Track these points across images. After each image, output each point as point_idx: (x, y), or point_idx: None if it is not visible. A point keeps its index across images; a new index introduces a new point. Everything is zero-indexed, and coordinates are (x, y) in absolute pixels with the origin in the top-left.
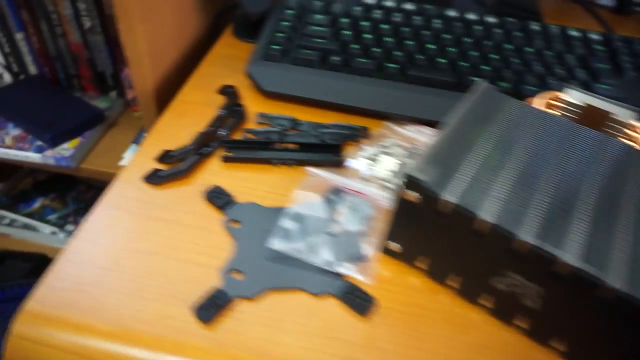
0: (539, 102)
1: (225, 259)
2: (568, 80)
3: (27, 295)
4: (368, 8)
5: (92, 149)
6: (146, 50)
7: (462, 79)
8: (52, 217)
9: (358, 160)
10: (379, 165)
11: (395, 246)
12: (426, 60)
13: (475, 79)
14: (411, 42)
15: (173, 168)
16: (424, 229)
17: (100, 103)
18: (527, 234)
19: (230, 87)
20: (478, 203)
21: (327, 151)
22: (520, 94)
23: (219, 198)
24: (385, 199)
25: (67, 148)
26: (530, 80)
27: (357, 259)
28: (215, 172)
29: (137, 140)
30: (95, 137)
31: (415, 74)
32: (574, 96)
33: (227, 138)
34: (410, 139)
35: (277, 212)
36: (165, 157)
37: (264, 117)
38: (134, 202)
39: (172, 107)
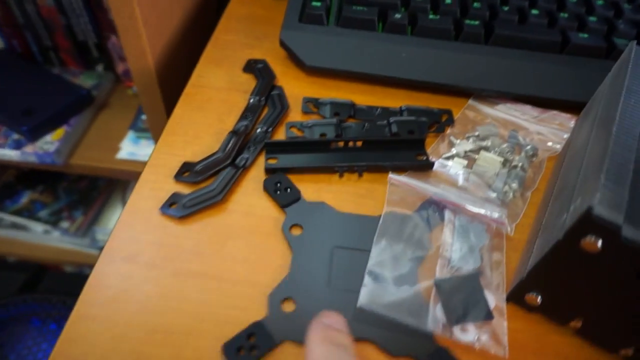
0: None
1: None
2: None
3: (22, 315)
4: None
5: (82, 139)
6: (142, 17)
7: (565, 36)
8: (43, 213)
9: (451, 162)
10: (479, 167)
11: (533, 297)
12: (513, 12)
13: (582, 35)
14: None
15: (201, 190)
16: (595, 282)
17: (85, 80)
18: None
19: (260, 61)
20: None
21: (407, 148)
22: None
23: (282, 192)
24: (498, 218)
25: (50, 141)
26: None
27: (481, 315)
28: (258, 189)
29: (135, 126)
30: (84, 124)
31: (503, 33)
32: None
33: (268, 138)
34: (507, 123)
35: (354, 220)
36: (186, 172)
37: (311, 103)
38: (152, 248)
39: (186, 95)
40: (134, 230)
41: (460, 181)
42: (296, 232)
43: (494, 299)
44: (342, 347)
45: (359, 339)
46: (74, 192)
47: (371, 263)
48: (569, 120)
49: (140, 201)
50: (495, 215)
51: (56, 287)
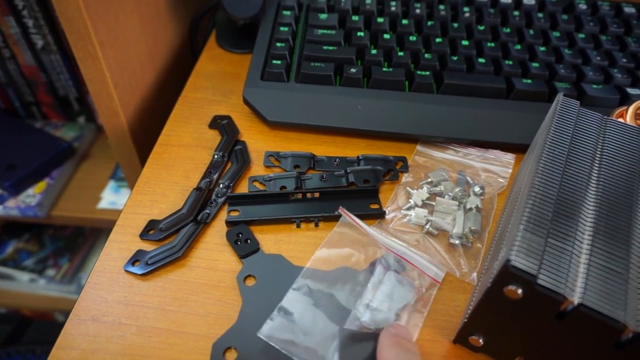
0: (632, 116)
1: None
2: (635, 70)
3: None
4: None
5: (63, 190)
6: (113, 80)
7: (510, 82)
8: (29, 261)
9: (413, 212)
10: (438, 214)
11: (476, 339)
12: (462, 62)
13: (525, 80)
14: (440, 40)
15: (163, 247)
16: (524, 324)
17: (67, 132)
18: None
19: (224, 117)
20: (621, 303)
21: (362, 197)
22: (585, 95)
23: (242, 243)
24: (435, 275)
25: (32, 194)
26: (592, 77)
27: None
28: (220, 244)
29: (115, 175)
30: (66, 175)
31: (452, 82)
32: None
33: (230, 192)
34: (455, 164)
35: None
36: (151, 230)
37: (273, 157)
38: (118, 307)
39: (154, 154)
40: (101, 290)
41: (424, 230)
42: (250, 282)
43: None
44: (411, 351)
45: None
46: (59, 239)
47: (285, 300)
48: (510, 157)
49: (108, 262)
50: (433, 271)
51: (41, 337)
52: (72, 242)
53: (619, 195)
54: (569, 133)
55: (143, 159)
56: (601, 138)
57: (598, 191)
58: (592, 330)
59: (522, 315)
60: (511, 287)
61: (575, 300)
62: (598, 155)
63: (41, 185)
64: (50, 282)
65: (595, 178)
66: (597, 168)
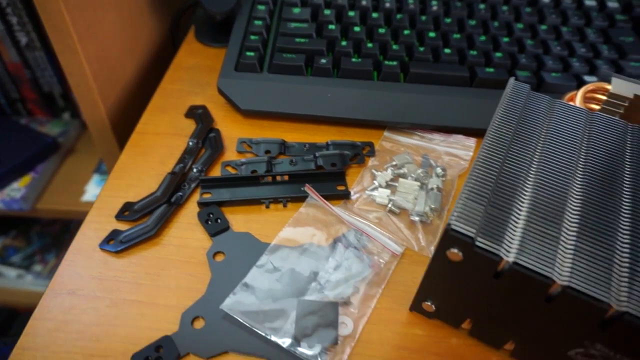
0: (581, 99)
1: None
2: (592, 60)
3: None
4: None
5: (48, 184)
6: (92, 73)
7: (473, 71)
8: (16, 257)
9: (376, 192)
10: (400, 193)
11: (428, 305)
12: (428, 52)
13: (488, 69)
14: (408, 32)
15: (137, 227)
16: (468, 287)
17: (52, 128)
18: (621, 301)
19: (200, 107)
20: (550, 261)
21: (329, 180)
22: (544, 83)
23: (212, 222)
24: (394, 249)
25: (17, 188)
26: (552, 66)
27: (327, 339)
28: (193, 224)
29: (99, 169)
30: (50, 170)
31: (418, 71)
32: (618, 86)
33: (202, 176)
34: (419, 148)
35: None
36: (126, 212)
37: (245, 143)
38: (93, 282)
39: (131, 141)
40: (77, 266)
41: (387, 209)
42: (219, 258)
43: (352, 327)
44: None
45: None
46: (46, 235)
47: (249, 276)
48: (471, 142)
49: (84, 240)
50: (392, 246)
51: None
52: (59, 238)
53: (558, 170)
54: (517, 113)
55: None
56: (547, 118)
57: (539, 167)
58: (526, 287)
59: (465, 277)
60: (453, 250)
61: (510, 259)
62: (543, 134)
63: (26, 179)
64: (37, 277)
65: (538, 154)
66: (540, 146)
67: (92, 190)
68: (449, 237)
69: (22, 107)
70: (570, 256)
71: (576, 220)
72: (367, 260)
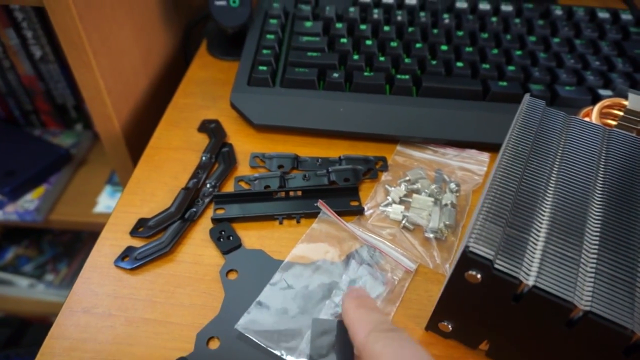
0: (597, 115)
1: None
2: (607, 73)
3: None
4: (364, 7)
5: (60, 195)
6: (106, 87)
7: (486, 85)
8: (28, 267)
9: (390, 209)
10: (414, 209)
11: (445, 325)
12: (440, 66)
13: (501, 83)
14: (420, 45)
15: (151, 243)
16: (486, 308)
17: (65, 139)
18: None
19: (213, 121)
20: (571, 285)
21: (342, 195)
22: (558, 97)
23: (224, 239)
24: (408, 266)
25: (30, 199)
26: (566, 79)
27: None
28: (206, 240)
29: (111, 180)
30: (63, 181)
31: (431, 85)
32: (635, 102)
33: (216, 192)
34: (433, 163)
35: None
36: (141, 228)
37: (258, 158)
38: (108, 299)
39: (145, 156)
40: (92, 284)
41: (401, 225)
42: (232, 276)
43: None
44: (374, 309)
45: None
46: (58, 244)
47: (262, 295)
48: (485, 156)
49: (99, 257)
50: (406, 262)
51: (40, 340)
52: (70, 248)
53: (576, 189)
54: (533, 130)
55: (136, 163)
56: (564, 135)
57: (557, 185)
58: (546, 311)
59: (484, 299)
60: (471, 272)
61: (530, 282)
62: (560, 152)
63: (39, 190)
64: (49, 287)
65: (555, 173)
66: (558, 164)
67: (104, 201)
68: (467, 259)
69: (36, 119)
70: (591, 279)
71: (596, 241)
72: (381, 277)
